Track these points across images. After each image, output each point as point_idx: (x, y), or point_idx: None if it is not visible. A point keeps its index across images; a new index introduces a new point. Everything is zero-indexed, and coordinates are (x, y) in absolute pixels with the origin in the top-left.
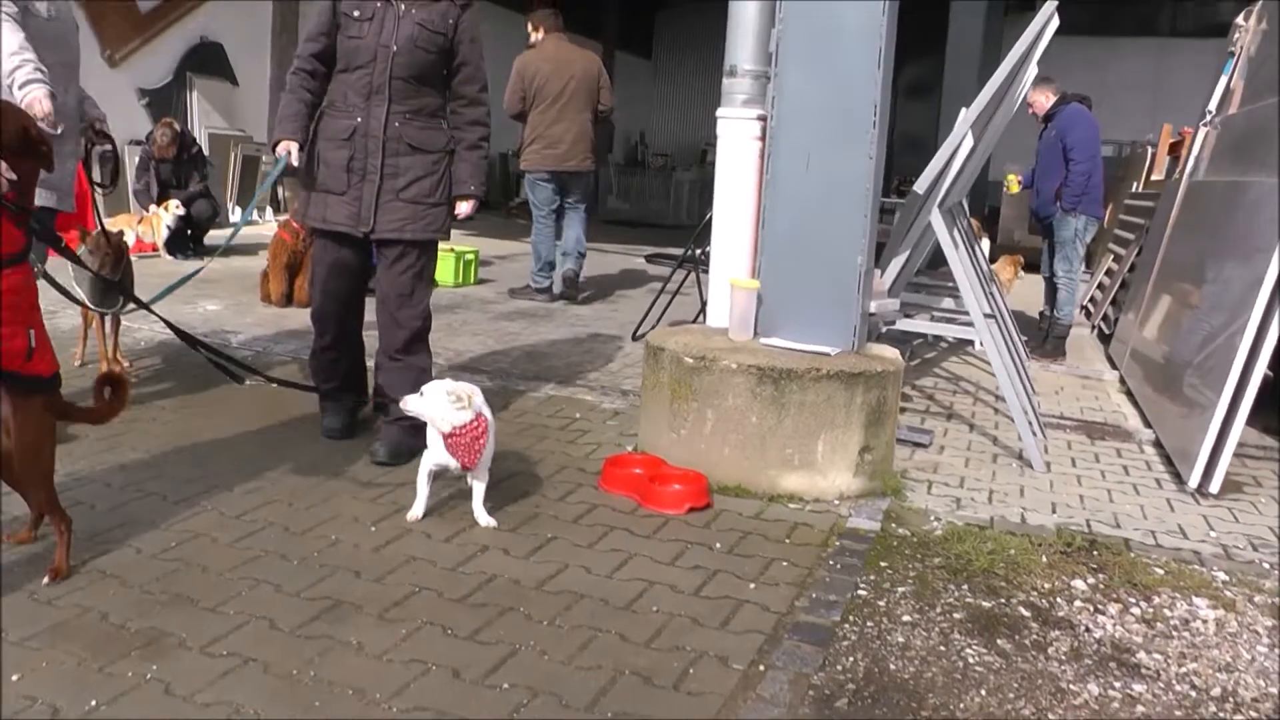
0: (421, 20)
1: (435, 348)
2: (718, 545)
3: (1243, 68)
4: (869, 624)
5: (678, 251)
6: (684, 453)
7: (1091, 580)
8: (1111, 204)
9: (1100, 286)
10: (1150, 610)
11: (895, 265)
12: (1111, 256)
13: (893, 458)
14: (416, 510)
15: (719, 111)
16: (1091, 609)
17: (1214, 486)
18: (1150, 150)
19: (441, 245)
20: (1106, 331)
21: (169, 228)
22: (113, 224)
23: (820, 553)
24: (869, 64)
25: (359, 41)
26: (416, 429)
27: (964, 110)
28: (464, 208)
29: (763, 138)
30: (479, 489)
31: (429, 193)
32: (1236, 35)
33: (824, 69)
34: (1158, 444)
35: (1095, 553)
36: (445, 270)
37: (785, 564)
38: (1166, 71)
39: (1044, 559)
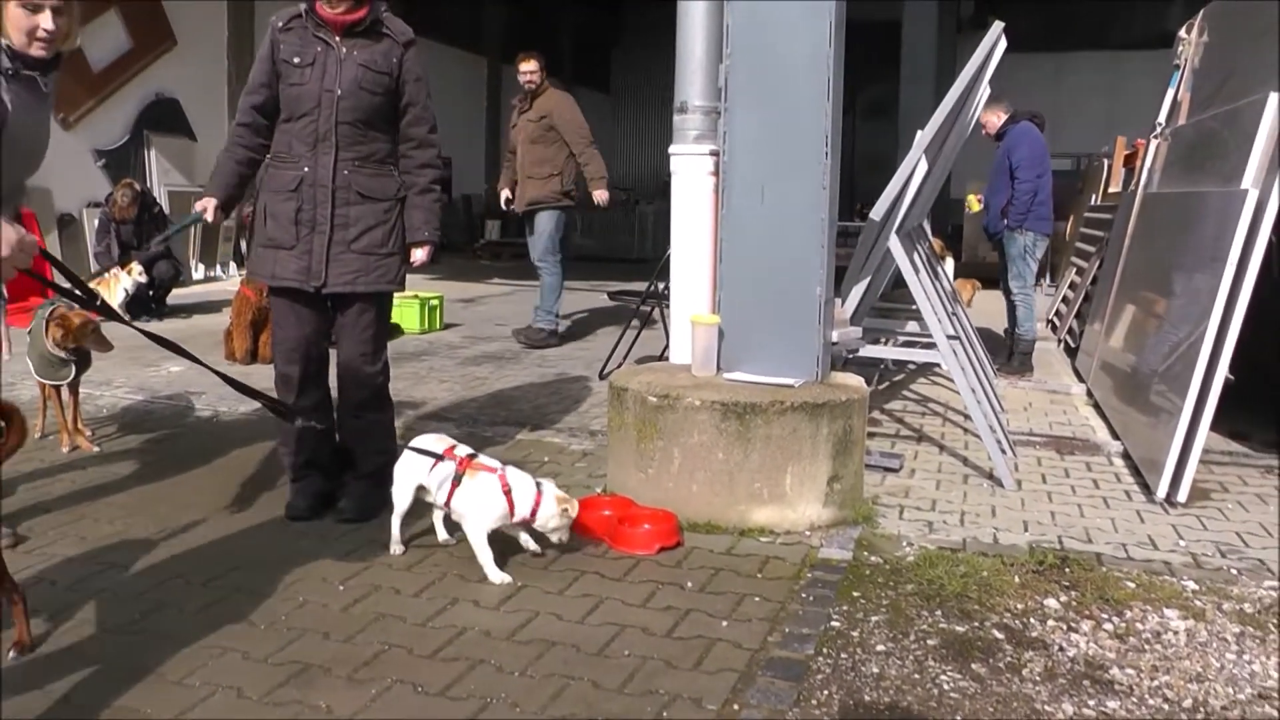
0: (364, 61)
1: (402, 397)
2: (689, 584)
3: (1188, 80)
4: (843, 655)
5: (642, 287)
6: (653, 492)
7: (1064, 598)
8: (1072, 217)
9: (1064, 300)
10: (1123, 625)
11: (857, 292)
12: (1074, 269)
13: (862, 485)
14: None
15: (672, 149)
16: (1064, 627)
17: (1181, 495)
18: (1107, 162)
19: (406, 291)
20: (1072, 345)
21: (126, 291)
22: None
23: (792, 585)
24: (818, 95)
25: (301, 88)
26: (383, 484)
27: (919, 133)
28: (419, 255)
29: (717, 173)
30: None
31: (381, 242)
32: (1180, 48)
33: (773, 102)
34: (1126, 455)
35: (1067, 570)
36: (410, 317)
37: (757, 599)
38: (1119, 83)
39: (1016, 579)
